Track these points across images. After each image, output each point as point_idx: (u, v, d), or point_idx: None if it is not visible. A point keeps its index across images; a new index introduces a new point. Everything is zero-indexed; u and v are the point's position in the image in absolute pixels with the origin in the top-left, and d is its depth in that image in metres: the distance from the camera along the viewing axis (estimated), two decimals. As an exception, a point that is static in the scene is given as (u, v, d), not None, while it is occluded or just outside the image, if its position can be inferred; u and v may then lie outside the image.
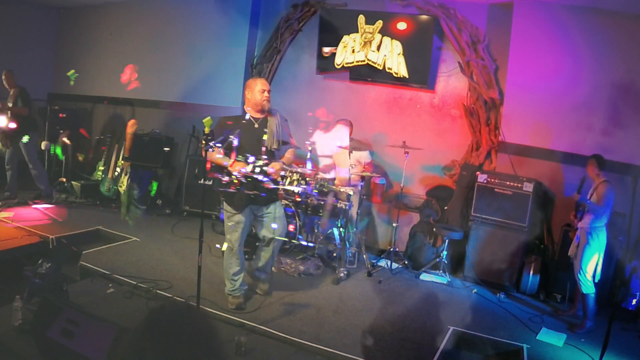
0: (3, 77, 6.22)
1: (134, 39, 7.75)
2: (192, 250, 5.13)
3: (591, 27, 5.09)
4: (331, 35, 6.32)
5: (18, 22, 7.97)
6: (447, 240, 5.20)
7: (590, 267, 4.23)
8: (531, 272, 5.01)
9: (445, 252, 5.19)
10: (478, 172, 5.34)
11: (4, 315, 3.28)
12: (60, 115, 7.53)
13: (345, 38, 6.25)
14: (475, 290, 5.01)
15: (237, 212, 3.88)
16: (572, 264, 4.42)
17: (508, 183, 5.12)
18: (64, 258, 4.46)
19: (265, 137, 3.87)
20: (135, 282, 4.17)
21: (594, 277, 4.28)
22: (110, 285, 4.19)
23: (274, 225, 3.99)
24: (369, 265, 5.24)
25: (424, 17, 5.84)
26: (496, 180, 5.18)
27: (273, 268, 4.85)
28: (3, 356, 3.01)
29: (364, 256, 5.33)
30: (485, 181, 5.23)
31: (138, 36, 7.72)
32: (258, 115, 3.94)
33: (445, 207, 5.74)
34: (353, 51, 6.22)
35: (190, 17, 7.24)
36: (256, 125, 3.91)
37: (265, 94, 3.89)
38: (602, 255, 4.27)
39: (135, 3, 7.83)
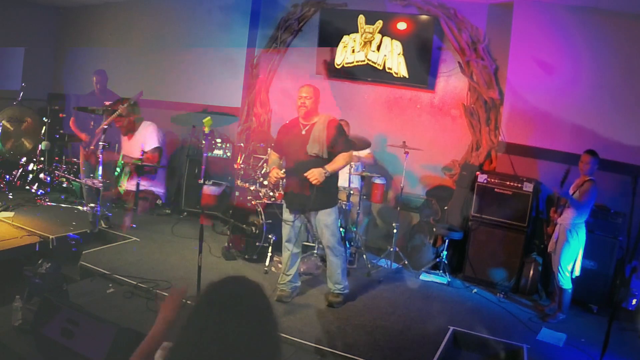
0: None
1: (134, 39, 7.75)
2: (192, 250, 5.13)
3: (591, 27, 5.09)
4: (331, 35, 6.32)
5: (18, 22, 7.97)
6: (447, 240, 5.20)
7: (569, 264, 4.31)
8: (531, 272, 5.01)
9: (445, 252, 5.19)
10: (478, 172, 5.34)
11: (4, 315, 3.26)
12: (61, 115, 7.50)
13: (345, 38, 6.25)
14: (475, 290, 5.01)
15: (287, 210, 4.15)
16: (550, 259, 4.54)
17: (508, 183, 5.12)
18: (64, 258, 4.45)
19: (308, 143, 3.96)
20: (135, 282, 4.16)
21: (572, 273, 4.33)
22: (110, 285, 4.18)
23: (324, 232, 4.07)
24: (369, 265, 5.24)
25: (424, 17, 5.84)
26: (496, 180, 5.18)
27: (272, 268, 4.86)
28: (3, 356, 3.01)
29: (364, 256, 5.34)
30: (485, 181, 5.22)
31: (138, 36, 7.71)
32: (306, 122, 4.03)
33: (445, 207, 5.74)
34: (353, 51, 6.22)
35: (191, 17, 7.24)
36: (303, 132, 4.00)
37: (301, 100, 3.95)
38: (581, 252, 4.35)
39: (135, 3, 7.82)
